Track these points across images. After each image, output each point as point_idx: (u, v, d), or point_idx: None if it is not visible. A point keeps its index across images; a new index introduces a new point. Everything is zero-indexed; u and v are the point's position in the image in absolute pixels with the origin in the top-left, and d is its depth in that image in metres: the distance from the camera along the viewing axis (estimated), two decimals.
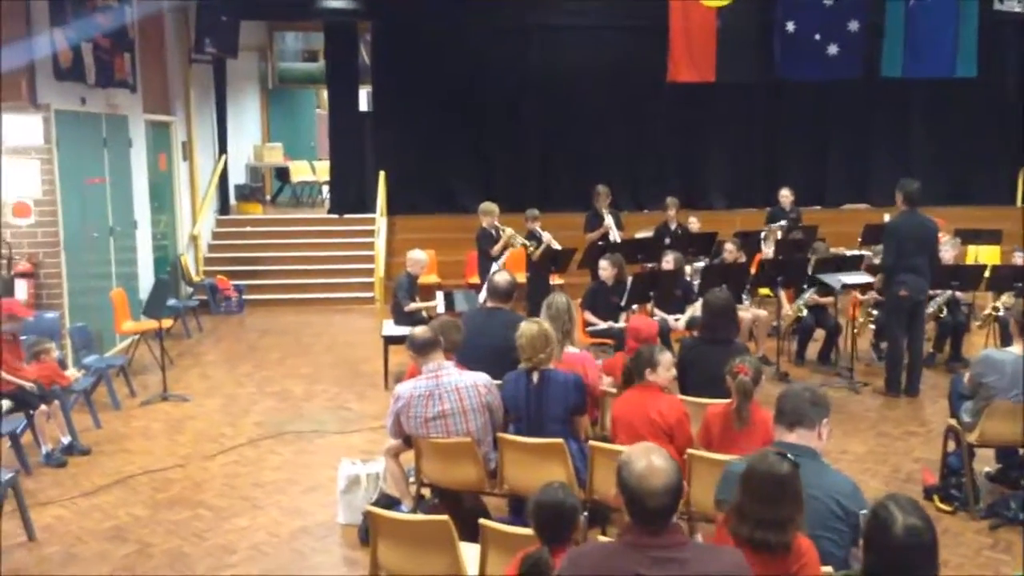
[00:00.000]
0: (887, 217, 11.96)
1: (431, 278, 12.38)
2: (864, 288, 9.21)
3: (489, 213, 10.40)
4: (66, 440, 7.15)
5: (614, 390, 5.58)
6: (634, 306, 9.04)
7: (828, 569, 3.25)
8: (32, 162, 8.92)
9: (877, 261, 9.23)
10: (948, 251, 9.64)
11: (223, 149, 15.05)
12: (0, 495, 5.45)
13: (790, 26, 13.10)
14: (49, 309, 8.86)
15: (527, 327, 5.21)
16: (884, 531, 2.67)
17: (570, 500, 3.40)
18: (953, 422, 6.17)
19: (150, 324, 9.32)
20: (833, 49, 13.04)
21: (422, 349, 5.18)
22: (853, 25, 13.02)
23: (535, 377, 5.11)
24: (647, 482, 2.61)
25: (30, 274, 8.87)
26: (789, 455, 3.17)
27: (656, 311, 8.87)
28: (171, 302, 10.17)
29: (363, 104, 16.18)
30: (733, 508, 3.14)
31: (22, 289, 8.76)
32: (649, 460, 2.65)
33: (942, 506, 5.97)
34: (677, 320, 8.87)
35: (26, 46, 8.53)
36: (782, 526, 3.04)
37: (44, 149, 8.95)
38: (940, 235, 9.12)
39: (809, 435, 3.55)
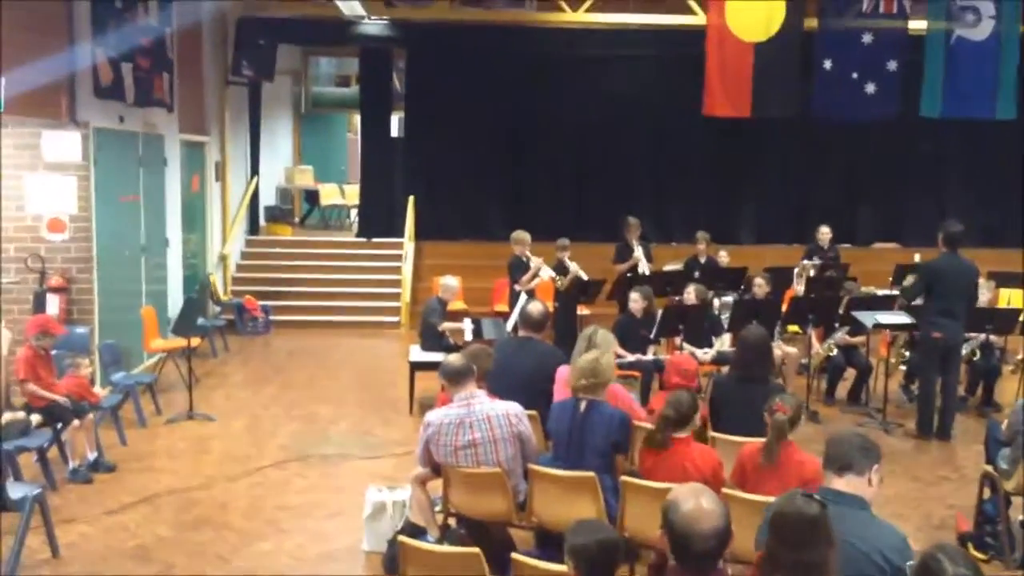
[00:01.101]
0: (918, 257, 11.86)
1: (458, 305, 12.35)
2: (896, 328, 9.10)
3: (520, 242, 10.39)
4: (92, 456, 7.16)
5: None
6: (662, 339, 9.00)
7: None
8: (69, 178, 9.01)
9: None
10: (984, 294, 9.53)
11: (255, 171, 15.18)
12: (27, 510, 5.44)
13: (827, 64, 13.06)
14: (80, 325, 8.90)
15: (587, 353, 5.25)
16: None
17: (614, 539, 3.29)
18: (989, 469, 6.05)
19: (179, 342, 9.35)
20: (871, 88, 12.97)
21: (455, 377, 5.14)
22: (892, 65, 12.95)
23: (582, 406, 5.06)
24: (695, 524, 2.55)
25: (62, 289, 8.94)
26: (817, 498, 3.09)
27: (684, 345, 8.81)
28: (199, 321, 10.20)
29: (395, 130, 16.27)
30: (764, 555, 3.06)
31: (54, 304, 8.82)
32: (697, 502, 2.60)
33: (976, 554, 5.83)
34: (705, 354, 8.78)
35: (68, 60, 8.64)
36: (816, 569, 2.96)
37: (81, 166, 9.04)
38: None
39: (859, 482, 3.46)
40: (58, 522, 5.93)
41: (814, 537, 2.98)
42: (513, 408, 5.16)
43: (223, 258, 13.86)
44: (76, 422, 6.98)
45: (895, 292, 10.47)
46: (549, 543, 5.06)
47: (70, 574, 5.47)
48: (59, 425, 6.91)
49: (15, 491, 5.52)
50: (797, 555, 2.96)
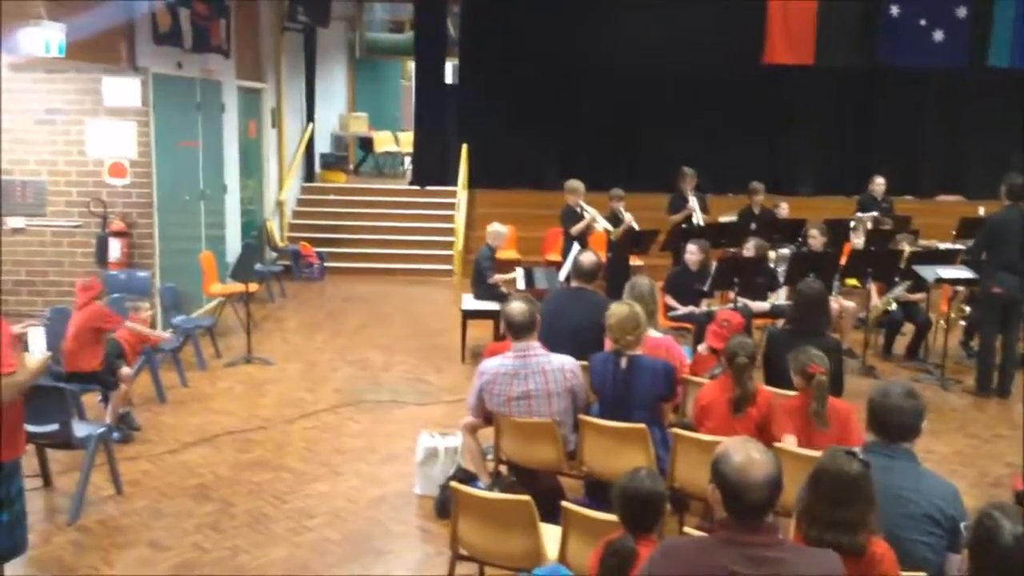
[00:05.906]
0: (982, 210, 11.57)
1: (510, 253, 12.37)
2: (958, 283, 8.90)
3: (574, 191, 10.30)
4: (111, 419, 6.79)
5: (700, 380, 5.50)
6: (715, 292, 8.92)
7: (922, 575, 3.16)
8: (129, 124, 9.13)
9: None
10: None
11: (310, 117, 15.23)
12: (92, 448, 5.62)
13: (894, 10, 12.69)
14: (141, 269, 9.08)
15: (618, 308, 5.11)
16: (992, 540, 2.57)
17: (658, 489, 3.34)
18: None
19: (237, 287, 9.50)
20: (939, 35, 12.61)
21: (519, 330, 5.09)
22: (960, 11, 12.55)
23: (623, 362, 5.02)
24: (746, 475, 2.54)
25: (124, 233, 9.10)
26: (860, 456, 3.07)
27: (739, 298, 8.72)
28: (257, 267, 10.34)
29: (449, 76, 16.19)
30: (803, 510, 3.06)
31: (116, 248, 9.00)
32: (747, 453, 2.59)
33: None
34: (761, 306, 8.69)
35: (126, 7, 8.71)
36: (853, 527, 2.96)
37: (141, 111, 9.14)
38: None
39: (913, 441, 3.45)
40: (121, 460, 6.11)
41: (852, 496, 2.98)
42: (568, 363, 5.15)
43: (280, 204, 14.00)
44: (123, 386, 6.80)
45: (958, 246, 10.24)
46: (598, 492, 5.09)
47: (134, 510, 5.65)
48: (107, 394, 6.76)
49: (80, 430, 5.70)
50: (833, 513, 2.96)
